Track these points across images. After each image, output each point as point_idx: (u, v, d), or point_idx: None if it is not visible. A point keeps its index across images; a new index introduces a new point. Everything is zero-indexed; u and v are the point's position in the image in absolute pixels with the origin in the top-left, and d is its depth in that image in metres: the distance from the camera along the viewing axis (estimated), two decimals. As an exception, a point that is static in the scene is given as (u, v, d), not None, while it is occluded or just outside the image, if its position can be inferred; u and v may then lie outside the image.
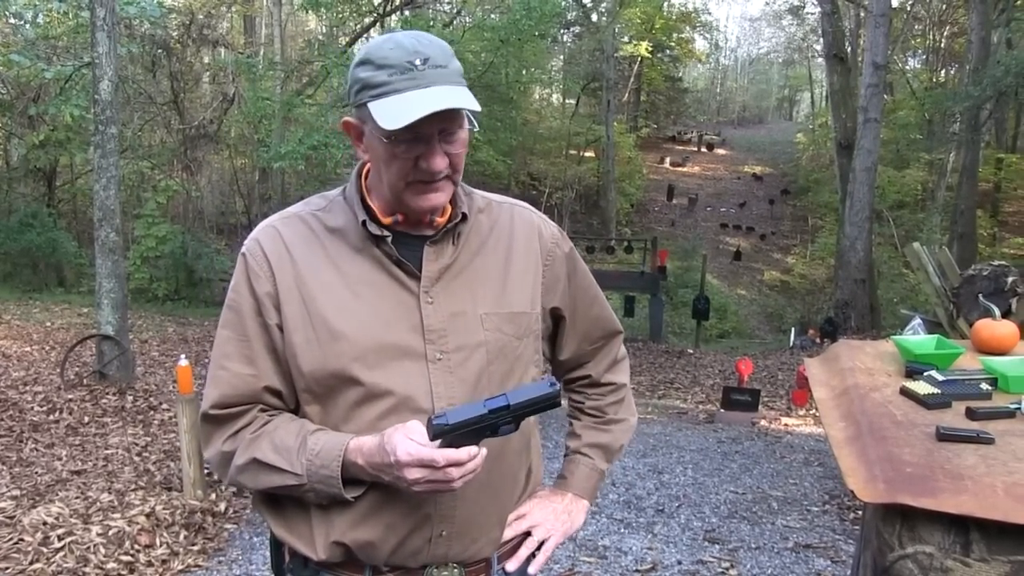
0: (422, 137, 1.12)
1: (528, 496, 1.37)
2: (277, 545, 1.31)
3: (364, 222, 1.20)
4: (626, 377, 1.53)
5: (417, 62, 1.11)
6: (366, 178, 1.26)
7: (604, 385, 1.49)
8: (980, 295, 4.51)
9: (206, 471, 4.41)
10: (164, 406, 6.23)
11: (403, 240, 1.22)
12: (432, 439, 1.08)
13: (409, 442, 1.08)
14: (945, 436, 1.46)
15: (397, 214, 1.22)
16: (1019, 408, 1.58)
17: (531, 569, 1.34)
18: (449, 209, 1.25)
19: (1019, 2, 16.31)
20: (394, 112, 1.09)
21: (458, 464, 1.08)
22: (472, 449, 1.09)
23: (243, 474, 1.21)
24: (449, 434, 1.07)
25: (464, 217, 1.24)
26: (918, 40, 27.22)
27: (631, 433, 1.53)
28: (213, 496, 4.26)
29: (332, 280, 1.21)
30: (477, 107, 1.13)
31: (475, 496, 1.21)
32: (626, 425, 1.52)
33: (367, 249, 1.22)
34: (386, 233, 1.20)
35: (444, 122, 1.12)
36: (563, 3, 17.84)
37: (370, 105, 1.12)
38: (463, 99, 1.11)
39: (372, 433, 1.16)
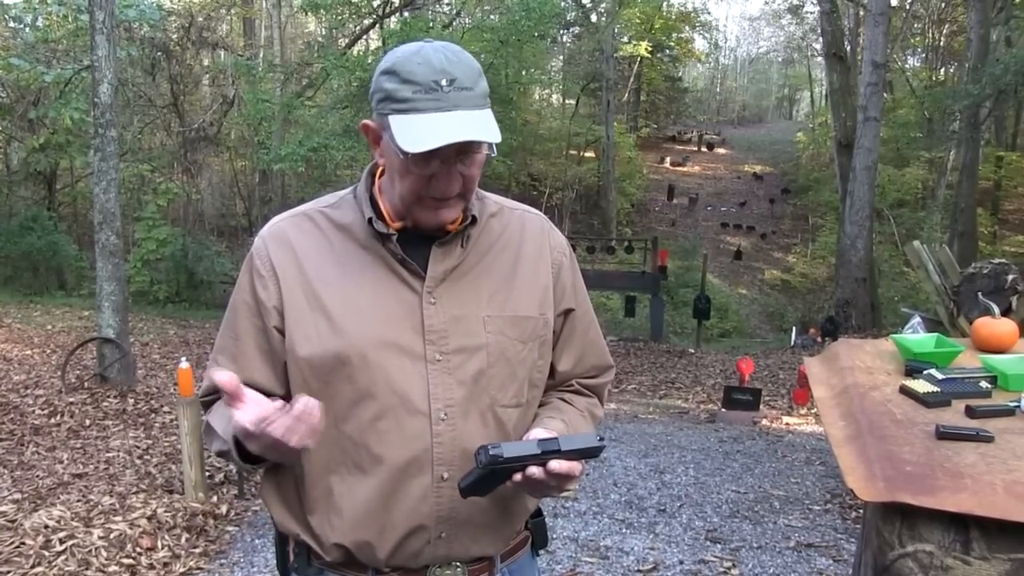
0: (439, 157, 1.12)
1: (527, 496, 1.36)
2: (282, 544, 1.31)
3: (370, 220, 1.21)
4: (601, 412, 1.45)
5: (443, 82, 1.10)
6: (379, 177, 1.27)
7: (583, 394, 1.41)
8: (980, 293, 4.50)
9: (207, 474, 4.42)
10: (165, 409, 6.23)
11: (411, 239, 1.22)
12: (483, 468, 1.09)
13: (243, 414, 1.04)
14: (945, 434, 1.46)
15: (407, 220, 1.22)
16: (1019, 406, 1.58)
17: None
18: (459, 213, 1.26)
19: (1018, 0, 16.30)
20: (414, 134, 1.09)
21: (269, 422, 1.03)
22: (311, 401, 1.04)
23: (205, 437, 1.26)
24: (500, 466, 1.09)
25: (474, 220, 1.25)
26: (917, 38, 27.23)
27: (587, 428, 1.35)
28: (215, 499, 4.27)
29: (336, 277, 1.22)
30: (498, 137, 1.12)
31: (475, 496, 1.21)
32: (586, 421, 1.37)
33: (373, 247, 1.23)
34: (391, 232, 1.21)
35: (463, 145, 1.12)
36: (562, 4, 17.85)
37: (391, 119, 1.12)
38: (485, 129, 1.11)
39: (372, 433, 1.18)
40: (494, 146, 1.16)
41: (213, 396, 1.28)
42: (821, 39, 19.04)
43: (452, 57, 1.13)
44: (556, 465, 1.09)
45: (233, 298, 1.28)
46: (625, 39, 28.65)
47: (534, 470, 1.09)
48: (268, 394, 1.23)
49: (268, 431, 1.03)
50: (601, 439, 1.14)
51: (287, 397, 1.25)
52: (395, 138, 1.10)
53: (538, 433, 1.18)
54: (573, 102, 29.63)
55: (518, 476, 1.10)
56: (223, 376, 1.03)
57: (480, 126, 1.11)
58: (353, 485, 1.19)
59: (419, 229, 1.23)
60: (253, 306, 1.24)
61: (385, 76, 1.14)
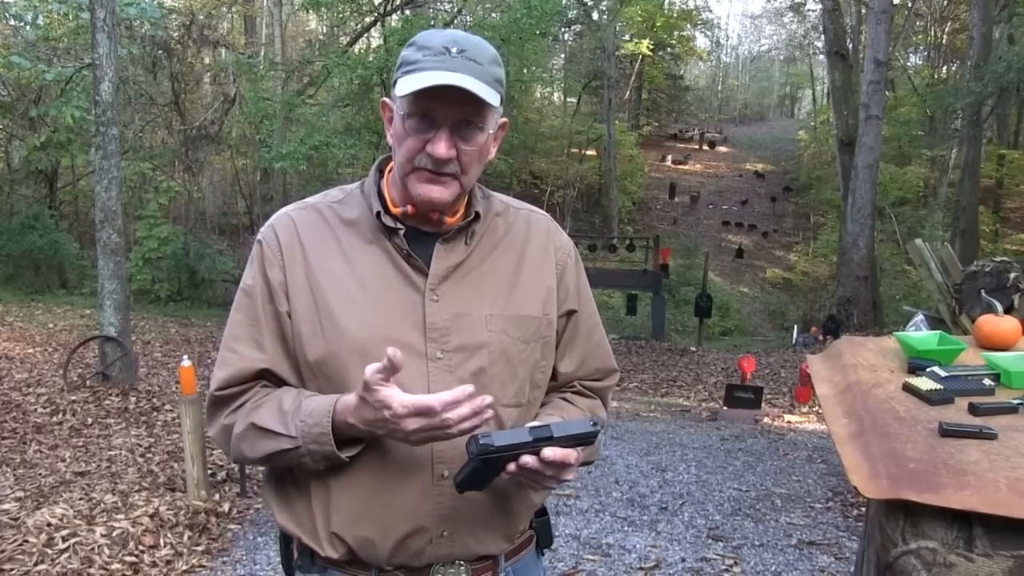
0: (435, 122, 1.14)
1: (531, 493, 1.36)
2: (286, 542, 1.31)
3: (379, 213, 1.22)
4: (604, 414, 1.45)
5: (453, 49, 1.14)
6: (388, 172, 1.28)
7: (585, 395, 1.41)
8: (982, 291, 4.50)
9: (209, 472, 4.42)
10: (167, 407, 6.24)
11: (416, 236, 1.23)
12: (474, 458, 1.07)
13: (403, 394, 1.07)
14: (948, 432, 1.46)
15: (407, 204, 1.22)
16: (1022, 404, 1.57)
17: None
18: (462, 208, 1.26)
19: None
20: (410, 83, 1.12)
21: (455, 405, 1.06)
22: (467, 388, 1.06)
23: (243, 442, 1.20)
24: (492, 455, 1.07)
25: (477, 216, 1.25)
26: (919, 36, 27.18)
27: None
28: (217, 496, 4.27)
29: (341, 271, 1.22)
30: (492, 101, 1.13)
31: (477, 494, 1.21)
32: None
33: (379, 241, 1.23)
34: (399, 226, 1.21)
35: (461, 113, 1.14)
36: (564, 1, 17.80)
37: (399, 81, 1.15)
38: (478, 88, 1.11)
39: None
40: (497, 130, 1.18)
41: (234, 388, 1.22)
42: (823, 37, 19.02)
43: (473, 39, 1.17)
44: (550, 453, 1.08)
45: (246, 286, 1.25)
46: (627, 37, 28.66)
47: (527, 459, 1.08)
48: (285, 384, 1.24)
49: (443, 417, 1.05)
50: (595, 424, 1.12)
51: (296, 382, 1.25)
52: (396, 94, 1.15)
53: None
54: (575, 100, 29.64)
55: (512, 466, 1.09)
56: (394, 351, 1.03)
57: (476, 86, 1.11)
58: (352, 481, 1.19)
59: (422, 219, 1.23)
60: (266, 291, 1.23)
61: (406, 49, 1.18)
